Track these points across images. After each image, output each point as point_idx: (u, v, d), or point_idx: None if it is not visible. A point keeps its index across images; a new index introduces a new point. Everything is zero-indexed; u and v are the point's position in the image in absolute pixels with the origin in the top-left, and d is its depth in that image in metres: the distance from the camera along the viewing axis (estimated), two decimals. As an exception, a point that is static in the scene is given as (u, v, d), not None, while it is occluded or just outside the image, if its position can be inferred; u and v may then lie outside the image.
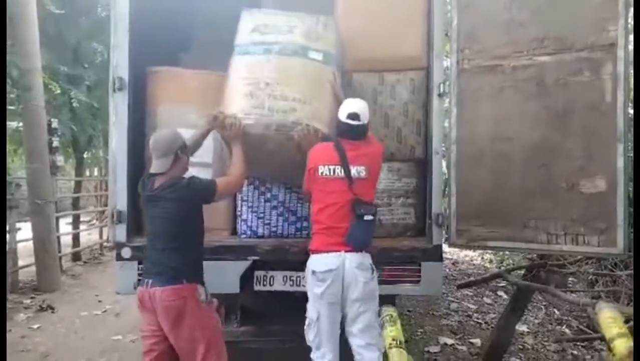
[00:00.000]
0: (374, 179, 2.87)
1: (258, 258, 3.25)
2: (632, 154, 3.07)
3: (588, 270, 5.32)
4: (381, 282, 2.85)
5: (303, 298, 3.37)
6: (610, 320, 1.61)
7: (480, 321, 5.82)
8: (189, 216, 2.66)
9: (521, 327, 5.32)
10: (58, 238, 7.76)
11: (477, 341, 4.99)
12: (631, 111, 3.43)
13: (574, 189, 2.98)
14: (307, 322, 2.79)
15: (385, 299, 2.91)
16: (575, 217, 2.99)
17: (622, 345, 1.55)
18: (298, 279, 3.33)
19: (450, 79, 3.30)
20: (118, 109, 3.26)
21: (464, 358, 4.55)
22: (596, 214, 2.93)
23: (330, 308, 2.69)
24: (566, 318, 6.03)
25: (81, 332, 5.18)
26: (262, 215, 3.44)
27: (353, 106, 2.82)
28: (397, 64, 3.44)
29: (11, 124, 8.75)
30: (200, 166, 3.24)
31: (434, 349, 4.71)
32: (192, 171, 2.89)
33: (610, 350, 1.61)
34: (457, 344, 4.92)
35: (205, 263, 2.76)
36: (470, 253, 9.95)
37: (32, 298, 6.42)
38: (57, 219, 7.88)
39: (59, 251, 7.72)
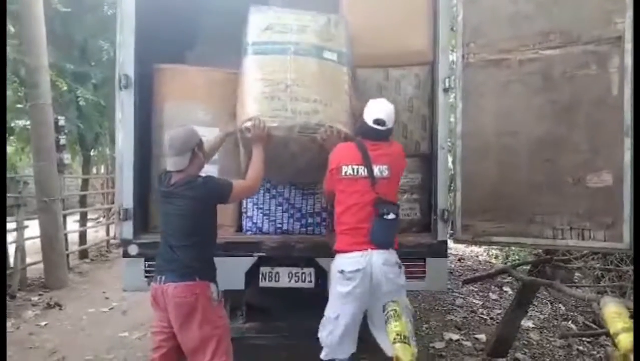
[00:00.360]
0: (396, 179, 2.90)
1: (263, 255, 3.27)
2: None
3: (594, 265, 5.30)
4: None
5: (308, 294, 3.40)
6: (615, 315, 1.60)
7: (485, 316, 5.81)
8: (204, 215, 2.66)
9: (526, 322, 5.31)
10: (65, 235, 7.80)
11: (482, 336, 4.98)
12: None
13: (580, 183, 2.96)
14: (323, 320, 2.80)
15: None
16: (581, 212, 2.97)
17: (627, 339, 1.54)
18: (303, 275, 3.35)
19: (456, 73, 3.29)
20: (124, 106, 3.27)
21: (469, 354, 4.54)
22: (602, 208, 2.91)
23: (355, 307, 2.70)
24: (572, 313, 6.01)
25: (88, 329, 5.21)
26: (267, 212, 3.46)
27: (380, 111, 2.81)
28: (402, 59, 3.44)
29: (19, 122, 8.80)
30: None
31: (439, 345, 4.70)
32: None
33: (615, 344, 1.60)
34: (462, 339, 4.92)
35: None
36: (476, 248, 9.92)
37: (39, 295, 6.45)
38: (65, 216, 7.91)
39: (67, 249, 7.76)
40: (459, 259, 9.24)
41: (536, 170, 3.07)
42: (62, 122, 7.53)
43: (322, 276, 3.31)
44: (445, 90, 3.28)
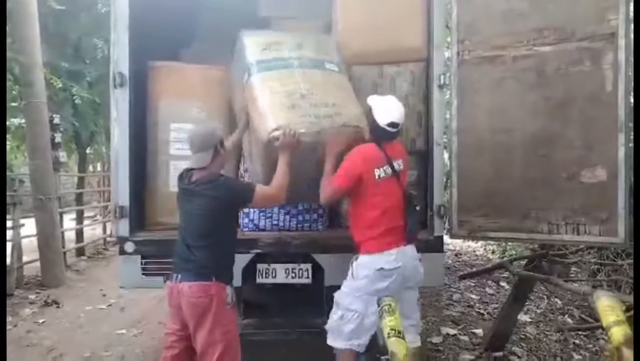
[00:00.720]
0: (406, 170, 2.99)
1: (260, 251, 3.27)
2: (632, 144, 3.07)
3: (590, 260, 5.34)
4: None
5: (304, 290, 3.41)
6: (608, 308, 1.62)
7: (482, 311, 5.84)
8: (223, 215, 2.63)
9: (523, 317, 5.34)
10: (62, 233, 7.79)
11: (479, 331, 5.01)
12: (632, 100, 3.42)
13: (575, 179, 2.99)
14: (344, 315, 2.80)
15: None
16: (576, 207, 3.00)
17: (619, 332, 1.55)
18: (300, 271, 3.36)
19: (451, 70, 3.30)
20: (119, 104, 3.27)
21: (466, 348, 4.57)
22: (597, 203, 2.94)
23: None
24: (568, 307, 6.04)
25: (86, 326, 5.21)
26: (264, 208, 3.46)
27: (394, 113, 2.81)
28: (397, 56, 3.44)
29: (13, 121, 8.77)
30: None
31: (436, 339, 4.73)
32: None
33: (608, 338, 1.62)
34: (460, 334, 4.94)
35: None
36: (472, 244, 9.96)
37: (37, 293, 6.45)
38: (61, 214, 7.90)
39: (63, 247, 7.75)
40: (456, 255, 9.27)
41: (531, 166, 3.09)
42: (57, 120, 7.52)
43: (319, 272, 3.32)
44: (440, 87, 3.29)
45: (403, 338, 1.63)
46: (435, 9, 3.30)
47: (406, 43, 3.40)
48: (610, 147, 2.88)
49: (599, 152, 2.92)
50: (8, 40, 6.91)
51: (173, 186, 3.42)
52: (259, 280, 3.36)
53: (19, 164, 12.58)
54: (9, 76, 7.76)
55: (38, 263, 6.98)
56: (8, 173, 9.02)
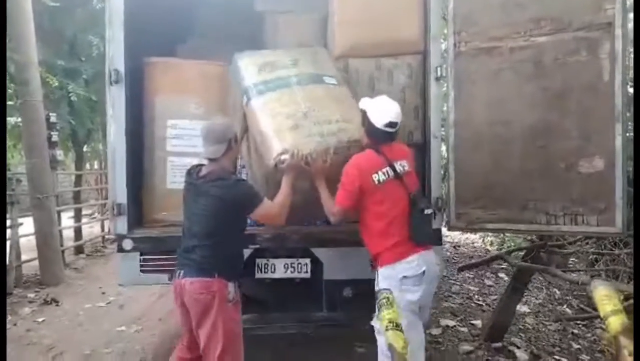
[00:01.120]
0: (414, 171, 2.87)
1: (259, 246, 3.27)
2: (630, 134, 3.08)
3: (588, 250, 5.36)
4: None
5: (303, 284, 3.42)
6: (605, 298, 1.61)
7: (481, 302, 5.86)
8: (228, 217, 2.61)
9: (522, 308, 5.36)
10: (60, 231, 7.78)
11: (478, 322, 5.03)
12: (630, 90, 3.43)
13: (573, 169, 2.98)
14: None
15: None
16: (574, 197, 3.00)
17: (616, 321, 1.55)
18: (299, 266, 3.37)
19: (448, 62, 3.29)
20: (115, 101, 3.25)
21: (465, 340, 4.59)
22: (595, 194, 2.94)
23: (417, 313, 2.67)
24: (567, 297, 6.08)
25: (86, 324, 5.22)
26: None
27: (391, 113, 2.72)
28: (394, 48, 3.43)
29: (10, 119, 8.72)
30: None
31: (436, 331, 4.75)
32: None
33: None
34: (459, 326, 4.96)
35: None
36: (471, 235, 9.98)
37: (36, 291, 6.45)
38: (59, 213, 7.89)
39: (62, 245, 7.75)
40: (454, 247, 9.30)
41: (529, 157, 3.09)
42: (53, 118, 7.48)
43: (318, 266, 3.33)
44: (437, 79, 3.28)
45: (401, 330, 1.63)
46: (431, 1, 3.29)
47: (403, 35, 3.39)
48: (607, 137, 2.87)
49: (597, 142, 2.92)
50: (2, 38, 6.88)
51: (171, 183, 3.43)
52: (258, 275, 3.36)
53: (15, 163, 12.54)
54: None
55: (37, 262, 6.97)
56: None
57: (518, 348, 4.41)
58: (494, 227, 3.37)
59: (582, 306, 5.71)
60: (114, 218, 3.27)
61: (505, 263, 6.42)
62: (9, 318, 5.31)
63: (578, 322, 5.26)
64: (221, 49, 3.43)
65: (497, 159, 3.19)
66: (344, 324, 3.52)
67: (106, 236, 10.13)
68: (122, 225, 3.25)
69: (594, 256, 5.59)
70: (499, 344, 4.38)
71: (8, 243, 6.62)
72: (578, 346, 4.63)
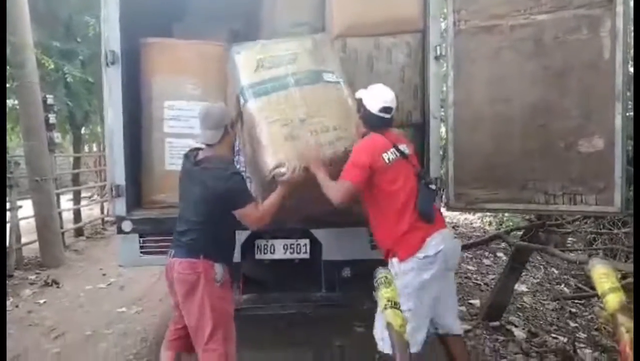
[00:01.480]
0: (415, 154, 2.90)
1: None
2: (630, 113, 3.06)
3: (586, 229, 5.38)
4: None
5: (302, 264, 3.43)
6: (603, 276, 1.62)
7: (479, 282, 5.91)
8: (218, 205, 2.58)
9: (520, 287, 5.40)
10: (60, 214, 7.79)
11: (477, 301, 5.07)
12: (631, 69, 3.39)
13: (572, 148, 2.97)
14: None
15: (383, 264, 2.96)
16: (573, 176, 2.99)
17: (614, 299, 1.56)
18: (298, 246, 3.39)
19: (447, 41, 3.26)
20: (112, 83, 3.23)
21: (463, 319, 4.62)
22: (594, 173, 2.94)
23: (435, 290, 2.63)
24: (565, 276, 6.12)
25: (86, 305, 5.25)
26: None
27: (386, 97, 2.73)
28: (393, 26, 3.39)
29: (7, 102, 8.67)
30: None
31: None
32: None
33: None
34: (457, 305, 5.00)
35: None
36: (469, 216, 10.02)
37: (37, 273, 6.48)
38: (58, 195, 7.90)
39: (61, 227, 7.77)
40: (453, 227, 9.33)
41: (529, 137, 3.08)
42: (50, 100, 7.44)
43: (317, 247, 3.35)
44: (437, 58, 3.25)
45: (399, 308, 1.64)
46: (431, -22, 3.25)
47: (402, 13, 3.35)
48: (607, 116, 2.86)
49: (597, 121, 2.90)
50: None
51: (169, 164, 3.42)
52: (257, 256, 3.38)
53: (13, 146, 12.49)
54: (0, 57, 7.63)
55: (37, 244, 7.00)
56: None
57: (516, 326, 4.45)
58: (493, 207, 3.38)
59: (579, 285, 5.76)
60: (113, 200, 3.27)
61: (504, 243, 6.45)
62: (10, 300, 5.35)
63: (576, 301, 5.31)
64: (218, 27, 3.38)
65: (496, 139, 3.17)
66: (342, 304, 3.54)
67: (106, 218, 10.15)
68: (121, 207, 3.26)
69: (592, 235, 5.61)
70: (497, 323, 4.42)
71: (8, 226, 6.64)
72: (575, 325, 4.68)
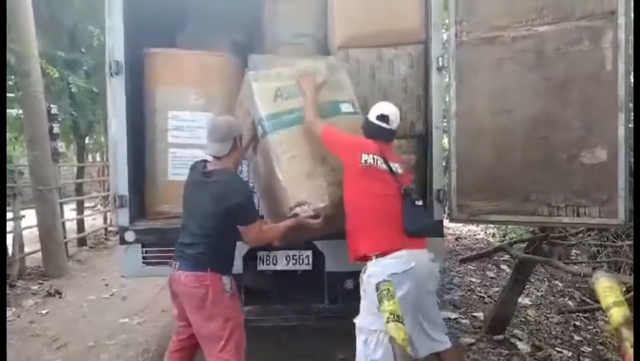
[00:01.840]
0: (408, 175, 2.87)
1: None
2: (632, 124, 3.05)
3: (590, 242, 5.34)
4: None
5: (305, 276, 3.41)
6: (607, 290, 1.61)
7: (483, 295, 5.86)
8: (224, 218, 2.56)
9: (524, 300, 5.36)
10: (63, 223, 7.79)
11: (480, 314, 5.03)
12: (632, 80, 3.39)
13: (575, 160, 2.96)
14: (367, 338, 2.50)
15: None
16: (576, 188, 2.98)
17: (618, 313, 1.54)
18: (301, 258, 3.37)
19: (449, 52, 3.27)
20: (116, 93, 3.25)
21: (467, 332, 4.59)
22: (597, 185, 2.92)
23: (412, 313, 2.52)
24: (569, 289, 6.07)
25: (89, 316, 5.24)
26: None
27: (385, 108, 2.78)
28: (395, 38, 3.41)
29: (11, 112, 8.71)
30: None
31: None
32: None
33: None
34: (460, 318, 4.96)
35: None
36: (473, 227, 9.98)
37: (39, 283, 6.48)
38: (61, 205, 7.91)
39: (64, 237, 7.77)
40: (456, 239, 9.29)
41: (531, 148, 3.07)
42: (54, 110, 7.47)
43: (319, 258, 3.33)
44: (439, 69, 3.26)
45: (402, 322, 1.63)
46: (433, -10, 3.27)
47: (404, 24, 3.37)
48: (610, 127, 2.85)
49: (599, 133, 2.90)
50: (2, 29, 6.85)
51: (172, 175, 3.43)
52: (260, 267, 3.37)
53: (17, 155, 12.51)
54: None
55: (40, 254, 7.00)
56: (7, 165, 9.02)
57: (520, 340, 4.41)
58: (496, 219, 3.35)
59: (584, 298, 5.70)
60: (116, 210, 3.27)
61: (507, 255, 6.41)
62: (12, 310, 5.34)
63: (580, 314, 5.25)
64: (220, 38, 3.40)
65: (498, 150, 3.17)
66: (345, 316, 3.51)
67: (109, 228, 10.16)
68: (124, 217, 3.26)
69: (596, 247, 5.58)
70: (500, 336, 4.38)
71: (11, 236, 6.64)
72: (580, 339, 4.63)
